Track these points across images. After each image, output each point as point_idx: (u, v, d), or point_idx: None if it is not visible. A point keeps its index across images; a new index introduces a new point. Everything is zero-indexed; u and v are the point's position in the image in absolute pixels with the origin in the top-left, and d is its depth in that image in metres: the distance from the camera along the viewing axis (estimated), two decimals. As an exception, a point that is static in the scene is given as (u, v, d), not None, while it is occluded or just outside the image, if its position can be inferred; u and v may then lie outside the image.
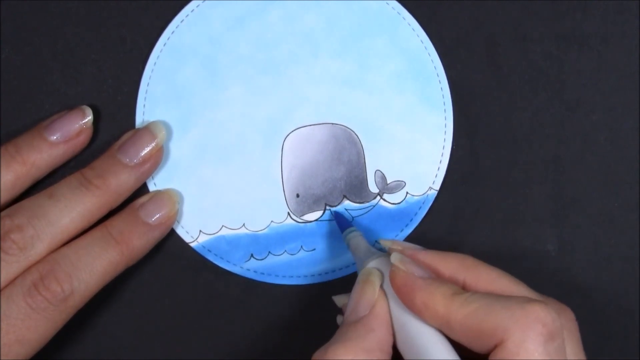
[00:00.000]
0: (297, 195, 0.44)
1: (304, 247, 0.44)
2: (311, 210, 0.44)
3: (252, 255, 0.44)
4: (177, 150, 0.44)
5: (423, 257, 0.38)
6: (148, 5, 0.44)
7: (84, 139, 0.42)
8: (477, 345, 0.35)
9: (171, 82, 0.44)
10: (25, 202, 0.40)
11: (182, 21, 0.44)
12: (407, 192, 0.45)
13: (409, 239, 0.45)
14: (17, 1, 0.44)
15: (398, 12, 0.44)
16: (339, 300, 0.41)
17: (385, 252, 0.40)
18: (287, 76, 0.44)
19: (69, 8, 0.44)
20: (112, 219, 0.41)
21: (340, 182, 0.45)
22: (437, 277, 0.37)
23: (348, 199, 0.45)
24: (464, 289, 0.38)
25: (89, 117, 0.42)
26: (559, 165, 0.45)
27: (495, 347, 0.34)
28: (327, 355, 0.35)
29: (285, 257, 0.44)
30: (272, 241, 0.44)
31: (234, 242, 0.44)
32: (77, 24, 0.44)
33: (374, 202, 0.45)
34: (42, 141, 0.41)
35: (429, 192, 0.45)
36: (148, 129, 0.42)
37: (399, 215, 0.44)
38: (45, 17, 0.44)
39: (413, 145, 0.45)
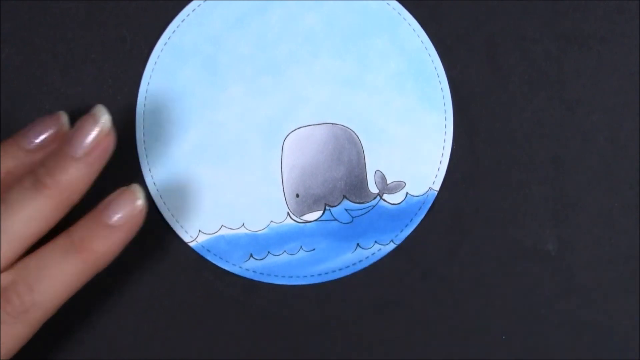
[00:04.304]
0: (297, 196, 0.44)
1: (303, 247, 0.44)
2: (311, 210, 0.44)
3: (251, 255, 0.44)
4: (177, 150, 0.44)
5: None
6: (148, 5, 0.44)
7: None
8: None
9: (171, 82, 0.44)
10: None
11: (182, 21, 0.44)
12: (407, 192, 0.45)
13: (409, 239, 0.44)
14: (17, 1, 0.44)
15: (398, 12, 0.44)
16: None
17: None
18: (287, 76, 0.44)
19: (69, 8, 0.44)
20: (76, 224, 0.38)
21: (340, 182, 0.45)
22: None
23: (348, 199, 0.44)
24: None
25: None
26: (559, 165, 0.45)
27: None
28: None
29: (285, 257, 0.44)
30: (271, 241, 0.44)
31: (233, 242, 0.44)
32: (77, 24, 0.44)
33: (374, 202, 0.45)
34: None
35: (429, 192, 0.45)
36: (90, 114, 0.38)
37: (399, 215, 0.44)
38: (45, 17, 0.44)
39: (413, 145, 0.45)
